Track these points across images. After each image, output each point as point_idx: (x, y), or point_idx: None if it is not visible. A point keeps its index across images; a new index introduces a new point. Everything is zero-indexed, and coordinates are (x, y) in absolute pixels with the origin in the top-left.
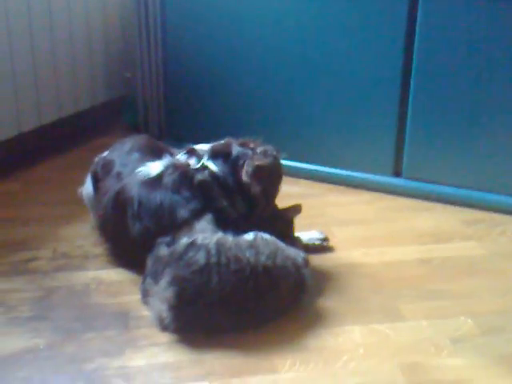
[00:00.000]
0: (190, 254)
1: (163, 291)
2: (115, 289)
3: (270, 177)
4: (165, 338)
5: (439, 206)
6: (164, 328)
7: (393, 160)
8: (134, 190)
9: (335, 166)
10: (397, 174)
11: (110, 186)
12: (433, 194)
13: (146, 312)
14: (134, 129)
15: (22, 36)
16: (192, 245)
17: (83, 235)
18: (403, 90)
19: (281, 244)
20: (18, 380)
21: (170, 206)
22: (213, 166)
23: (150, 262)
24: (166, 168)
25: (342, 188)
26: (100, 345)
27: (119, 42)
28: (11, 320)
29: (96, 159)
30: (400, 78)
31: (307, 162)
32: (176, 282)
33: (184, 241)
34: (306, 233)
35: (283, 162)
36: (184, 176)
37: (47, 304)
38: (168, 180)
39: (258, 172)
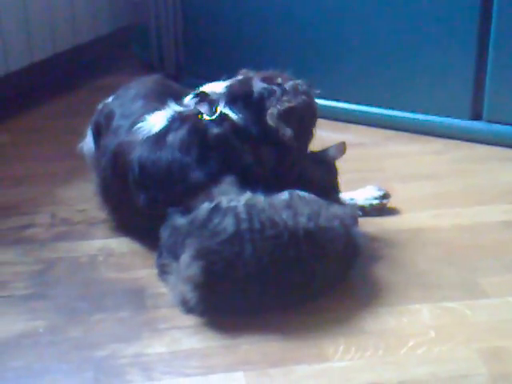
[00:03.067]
0: (215, 220)
1: (186, 268)
2: (127, 261)
3: (303, 119)
4: (189, 320)
5: None
6: (189, 311)
7: (471, 99)
8: (134, 152)
9: (396, 108)
10: (476, 116)
11: (108, 143)
12: None
13: (165, 289)
14: (146, 65)
15: None
16: (216, 209)
17: (86, 197)
18: (483, 15)
19: (323, 201)
20: (15, 370)
21: (181, 170)
22: (232, 114)
23: (165, 234)
24: (172, 121)
25: (405, 135)
26: (111, 328)
27: None
28: (5, 299)
29: (99, 106)
30: (480, 2)
31: (359, 104)
32: (201, 255)
33: (205, 205)
34: (359, 191)
35: (322, 101)
36: (195, 131)
37: (47, 279)
38: (175, 137)
39: (288, 114)
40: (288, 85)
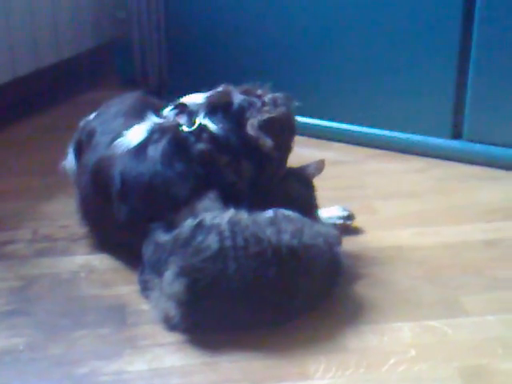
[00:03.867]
0: (199, 238)
1: (169, 285)
2: (109, 278)
3: (283, 130)
4: (170, 337)
5: (509, 175)
6: (172, 328)
7: (451, 119)
8: (116, 166)
9: (378, 127)
10: (456, 135)
11: (88, 160)
12: (501, 160)
13: (147, 305)
14: (129, 81)
15: None
16: (199, 226)
17: (68, 213)
18: (464, 34)
19: (306, 219)
20: None
21: (163, 183)
22: (211, 125)
23: (148, 250)
24: (151, 133)
25: (386, 153)
26: (92, 345)
27: None
28: None
29: (81, 124)
30: (460, 20)
31: (341, 122)
32: (185, 272)
33: (189, 222)
34: (324, 209)
35: (304, 118)
36: (175, 143)
37: (27, 296)
38: (156, 149)
39: (268, 124)
40: (267, 97)
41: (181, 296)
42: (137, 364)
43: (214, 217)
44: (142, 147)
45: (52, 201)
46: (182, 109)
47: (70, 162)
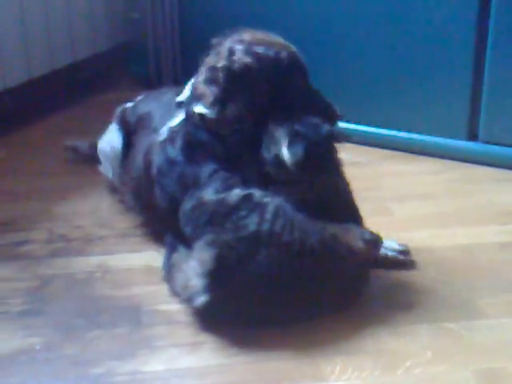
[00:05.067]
0: (242, 212)
1: (200, 251)
2: (124, 278)
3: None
4: (186, 338)
5: None
6: (190, 299)
7: (467, 120)
8: (154, 155)
9: (393, 128)
10: (472, 136)
11: (143, 142)
12: None
13: (162, 306)
14: (143, 81)
15: None
16: (247, 199)
17: (83, 213)
18: (479, 35)
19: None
20: None
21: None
22: (205, 111)
23: (188, 205)
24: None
25: (401, 155)
26: (107, 345)
27: None
28: (1, 315)
29: (119, 109)
30: (476, 22)
31: (357, 123)
32: (217, 245)
33: (238, 191)
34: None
35: None
36: (189, 144)
37: (43, 296)
38: (178, 147)
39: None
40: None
41: (207, 264)
42: (152, 364)
43: (264, 195)
44: (169, 141)
45: (67, 201)
46: (180, 106)
47: (114, 141)
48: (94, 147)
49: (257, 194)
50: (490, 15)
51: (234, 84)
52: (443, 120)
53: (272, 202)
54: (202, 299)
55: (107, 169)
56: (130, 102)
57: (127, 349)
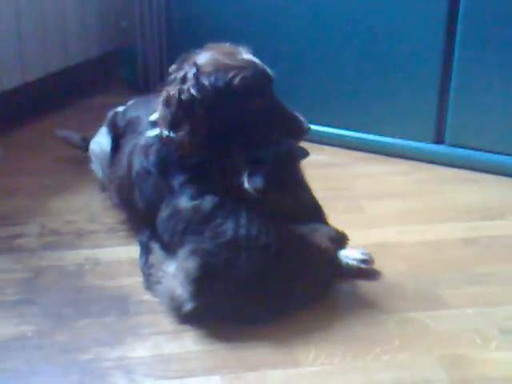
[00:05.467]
0: (218, 220)
1: (183, 260)
2: (113, 270)
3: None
4: (170, 326)
5: (488, 177)
6: (175, 308)
7: (434, 124)
8: (135, 156)
9: (366, 132)
10: (438, 140)
11: (129, 143)
12: (480, 164)
13: (148, 296)
14: (133, 86)
15: None
16: (220, 206)
17: (75, 209)
18: (447, 42)
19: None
20: (3, 371)
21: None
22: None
23: (165, 213)
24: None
25: (373, 157)
26: (96, 333)
27: None
28: None
29: (111, 113)
30: (444, 30)
31: (333, 127)
32: (199, 253)
33: (210, 199)
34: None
35: None
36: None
37: (36, 286)
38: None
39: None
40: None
41: (192, 273)
42: (138, 350)
43: (236, 201)
44: (145, 151)
45: (59, 198)
46: (154, 125)
47: (104, 143)
48: (86, 140)
49: (228, 200)
50: (457, 24)
51: (183, 111)
52: (413, 125)
53: (244, 207)
54: (189, 306)
55: (97, 168)
56: (121, 106)
57: (115, 336)
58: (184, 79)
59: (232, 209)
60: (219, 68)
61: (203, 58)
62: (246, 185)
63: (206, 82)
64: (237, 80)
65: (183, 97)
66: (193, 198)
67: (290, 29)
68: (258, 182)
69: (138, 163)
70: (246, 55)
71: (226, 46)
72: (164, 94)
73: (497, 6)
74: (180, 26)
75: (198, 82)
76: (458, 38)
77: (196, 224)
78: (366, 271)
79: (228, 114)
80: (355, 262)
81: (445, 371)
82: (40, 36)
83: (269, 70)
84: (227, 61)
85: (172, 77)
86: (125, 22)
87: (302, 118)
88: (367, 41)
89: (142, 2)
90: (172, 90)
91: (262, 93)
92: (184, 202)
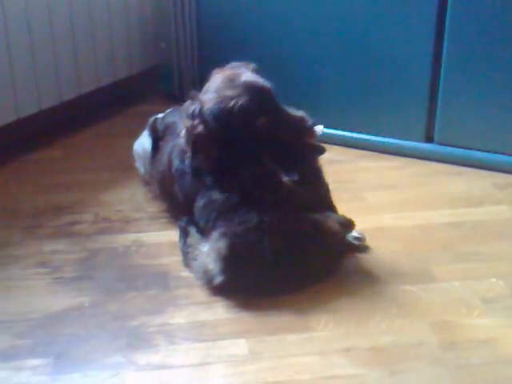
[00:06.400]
0: (245, 209)
1: (215, 241)
2: (155, 251)
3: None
4: (203, 297)
5: (471, 171)
6: (208, 281)
7: (425, 125)
8: (175, 156)
9: (367, 132)
10: (429, 139)
11: (168, 144)
12: (464, 159)
13: (185, 273)
14: (171, 96)
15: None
16: (245, 199)
17: (123, 200)
18: (436, 51)
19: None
20: (65, 336)
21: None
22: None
23: (200, 202)
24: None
25: (373, 154)
26: (142, 303)
27: (154, 13)
28: (57, 280)
29: (152, 119)
30: (433, 39)
31: (338, 129)
32: (229, 235)
33: (238, 192)
34: None
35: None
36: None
37: (90, 265)
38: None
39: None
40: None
41: (222, 251)
42: (177, 318)
43: (259, 194)
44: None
45: (110, 191)
46: None
47: (143, 143)
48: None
49: (252, 195)
50: (445, 27)
51: (194, 145)
52: (405, 125)
53: (266, 198)
54: (219, 279)
55: (140, 166)
56: (160, 113)
57: (157, 306)
58: (193, 116)
59: (255, 202)
60: (219, 101)
61: (207, 92)
62: (285, 178)
63: (209, 117)
64: (235, 109)
65: (195, 132)
66: (223, 191)
67: (289, 33)
68: (294, 175)
69: (176, 162)
70: (246, 76)
71: (230, 70)
72: (183, 128)
73: (483, 9)
74: (210, 45)
75: (202, 119)
76: (445, 43)
77: (226, 212)
78: (364, 247)
79: (237, 136)
80: (350, 239)
81: (435, 335)
82: (91, 54)
83: (268, 86)
84: (226, 91)
85: (187, 112)
86: (163, 43)
87: (307, 118)
88: (361, 48)
89: (177, 26)
90: (187, 123)
91: (263, 110)
92: (216, 194)
